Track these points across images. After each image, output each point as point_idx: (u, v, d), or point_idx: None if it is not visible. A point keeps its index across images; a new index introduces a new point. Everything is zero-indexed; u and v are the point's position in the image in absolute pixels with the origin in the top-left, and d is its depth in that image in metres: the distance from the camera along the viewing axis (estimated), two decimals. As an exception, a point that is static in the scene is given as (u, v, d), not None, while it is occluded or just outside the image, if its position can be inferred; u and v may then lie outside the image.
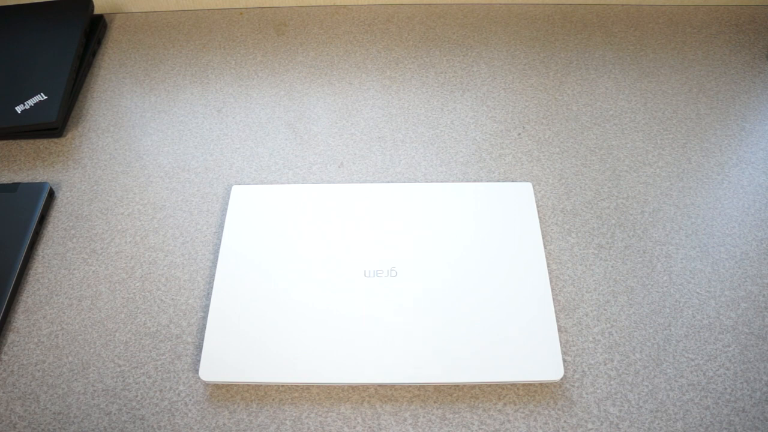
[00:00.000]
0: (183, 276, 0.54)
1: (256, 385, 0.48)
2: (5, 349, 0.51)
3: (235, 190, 0.57)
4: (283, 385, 0.48)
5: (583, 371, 0.49)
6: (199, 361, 0.49)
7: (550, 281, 0.53)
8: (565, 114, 0.65)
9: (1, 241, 0.55)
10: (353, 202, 0.56)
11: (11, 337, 0.52)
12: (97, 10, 0.75)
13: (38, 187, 0.58)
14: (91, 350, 0.51)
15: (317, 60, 0.70)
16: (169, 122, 0.65)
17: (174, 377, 0.49)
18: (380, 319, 0.49)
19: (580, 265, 0.54)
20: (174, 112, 0.66)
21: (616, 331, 0.51)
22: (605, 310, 0.52)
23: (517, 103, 0.66)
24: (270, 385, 0.48)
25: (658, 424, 0.46)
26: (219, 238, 0.56)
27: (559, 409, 0.47)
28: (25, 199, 0.58)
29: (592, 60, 0.69)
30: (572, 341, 0.50)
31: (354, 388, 0.48)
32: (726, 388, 0.48)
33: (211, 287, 0.53)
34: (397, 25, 0.74)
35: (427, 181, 0.60)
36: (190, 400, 0.48)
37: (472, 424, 0.46)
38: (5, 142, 0.64)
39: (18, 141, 0.64)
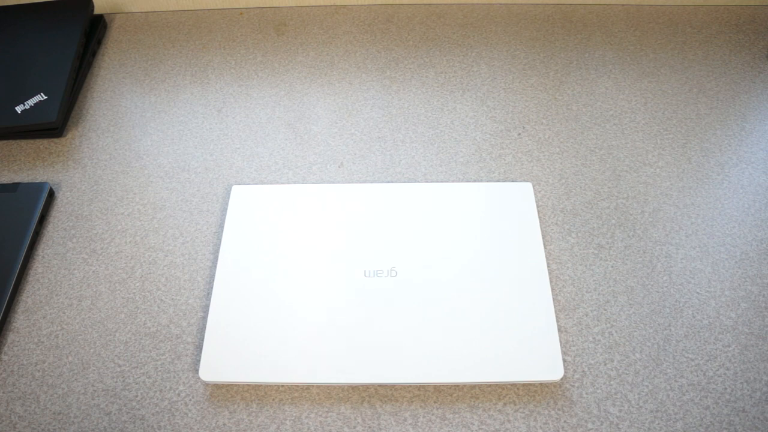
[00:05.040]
0: (183, 276, 0.54)
1: (256, 385, 0.48)
2: (5, 349, 0.51)
3: (235, 190, 0.57)
4: (283, 385, 0.48)
5: (583, 371, 0.49)
6: (199, 361, 0.49)
7: (550, 281, 0.53)
8: (565, 114, 0.65)
9: (1, 241, 0.55)
10: (353, 202, 0.56)
11: (11, 337, 0.52)
12: (97, 10, 0.75)
13: (38, 187, 0.58)
14: (91, 350, 0.51)
15: (317, 60, 0.70)
16: (169, 122, 0.65)
17: (174, 377, 0.49)
18: (380, 319, 0.49)
19: (580, 265, 0.54)
20: (174, 112, 0.66)
21: (616, 331, 0.51)
22: (605, 310, 0.52)
23: (517, 103, 0.66)
24: (270, 385, 0.48)
25: (658, 424, 0.46)
26: (219, 238, 0.56)
27: (559, 409, 0.47)
28: (25, 199, 0.58)
29: (592, 60, 0.69)
30: (572, 341, 0.50)
31: (354, 388, 0.48)
32: (726, 388, 0.48)
33: (211, 287, 0.53)
34: (397, 25, 0.74)
35: (427, 181, 0.60)
36: (190, 400, 0.48)
37: (472, 424, 0.46)
38: (5, 142, 0.64)
39: (18, 141, 0.64)
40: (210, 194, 0.60)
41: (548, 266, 0.54)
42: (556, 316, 0.51)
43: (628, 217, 0.57)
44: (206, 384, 0.49)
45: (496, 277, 0.51)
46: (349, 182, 0.60)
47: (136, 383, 0.49)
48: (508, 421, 0.47)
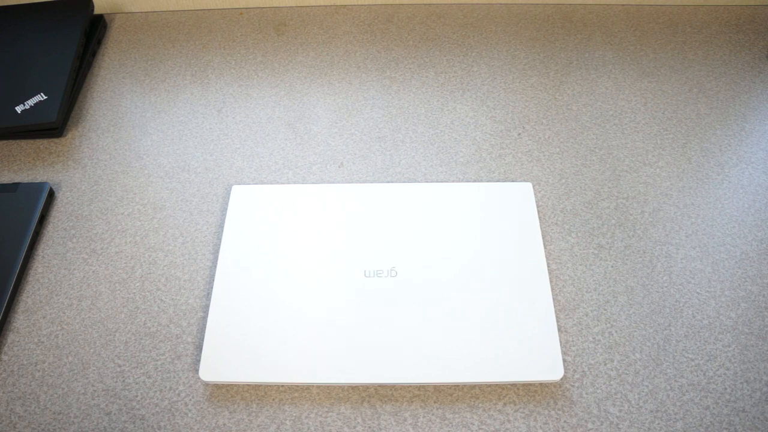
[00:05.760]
0: (183, 276, 0.54)
1: (256, 385, 0.48)
2: (5, 349, 0.51)
3: (235, 190, 0.57)
4: (283, 385, 0.48)
5: (583, 371, 0.49)
6: (199, 361, 0.49)
7: (550, 281, 0.53)
8: (565, 114, 0.65)
9: (1, 241, 0.55)
10: (353, 202, 0.56)
11: (11, 337, 0.52)
12: (97, 10, 0.75)
13: (38, 187, 0.58)
14: (91, 350, 0.51)
15: (317, 60, 0.70)
16: (169, 122, 0.65)
17: (174, 377, 0.49)
18: (380, 319, 0.49)
19: (580, 265, 0.54)
20: (174, 112, 0.66)
21: (616, 331, 0.51)
22: (605, 310, 0.52)
23: (517, 103, 0.66)
24: (270, 385, 0.48)
25: (658, 424, 0.46)
26: (219, 238, 0.56)
27: (559, 409, 0.47)
28: (25, 199, 0.58)
29: (592, 60, 0.69)
30: (572, 341, 0.50)
31: (354, 388, 0.48)
32: (726, 388, 0.48)
33: (211, 287, 0.53)
34: (397, 25, 0.74)
35: (427, 181, 0.60)
36: (190, 400, 0.48)
37: (472, 424, 0.46)
38: (5, 142, 0.64)
39: (18, 141, 0.64)
40: (210, 194, 0.60)
41: (548, 266, 0.54)
42: (556, 316, 0.51)
43: (628, 217, 0.57)
44: (206, 384, 0.49)
45: (496, 277, 0.51)
46: (349, 182, 0.60)
47: (136, 383, 0.49)
48: (508, 421, 0.47)
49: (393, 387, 0.48)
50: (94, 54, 0.72)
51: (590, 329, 0.51)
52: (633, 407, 0.47)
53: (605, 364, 0.49)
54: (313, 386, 0.48)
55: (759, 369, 0.48)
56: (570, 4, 0.75)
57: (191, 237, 0.57)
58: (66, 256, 0.56)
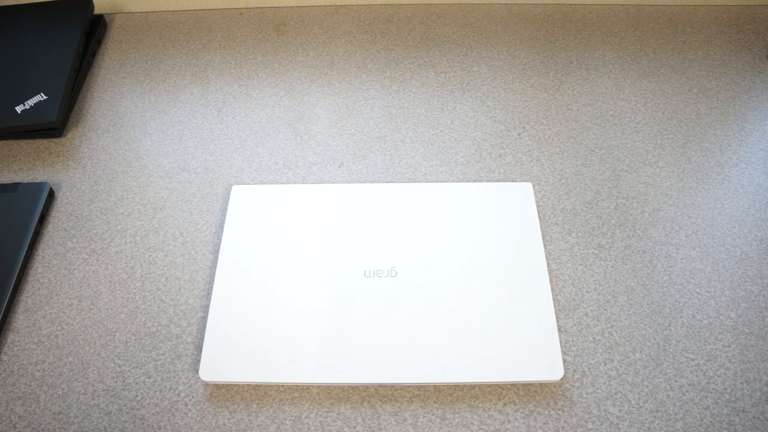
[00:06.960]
0: (183, 276, 0.54)
1: (256, 385, 0.48)
2: (5, 349, 0.51)
3: (235, 190, 0.57)
4: (283, 385, 0.48)
5: (583, 371, 0.49)
6: (199, 361, 0.49)
7: (550, 281, 0.53)
8: (565, 114, 0.65)
9: (1, 241, 0.55)
10: (353, 202, 0.56)
11: (11, 337, 0.52)
12: (97, 10, 0.75)
13: (38, 187, 0.58)
14: (91, 350, 0.51)
15: (317, 60, 0.70)
16: (169, 122, 0.65)
17: (174, 377, 0.49)
18: (380, 319, 0.49)
19: (580, 265, 0.54)
20: (174, 112, 0.66)
21: (616, 331, 0.51)
22: (605, 310, 0.52)
23: (517, 103, 0.66)
24: (270, 385, 0.48)
25: (658, 424, 0.46)
26: (219, 238, 0.56)
27: (559, 409, 0.47)
28: (25, 199, 0.58)
29: (592, 60, 0.69)
30: (572, 341, 0.50)
31: (354, 388, 0.48)
32: (726, 388, 0.48)
33: (211, 287, 0.53)
34: (397, 25, 0.74)
35: (427, 181, 0.60)
36: (190, 400, 0.48)
37: (472, 424, 0.47)
38: (5, 142, 0.64)
39: (18, 141, 0.64)
40: (210, 194, 0.60)
41: (548, 266, 0.54)
42: (556, 316, 0.51)
43: (628, 217, 0.57)
44: (206, 384, 0.49)
45: (496, 277, 0.51)
46: (349, 182, 0.60)
47: (136, 383, 0.49)
48: (508, 421, 0.47)
49: (393, 387, 0.48)
50: (94, 54, 0.72)
51: (590, 329, 0.51)
52: (633, 407, 0.47)
53: (605, 364, 0.49)
54: (313, 386, 0.48)
55: (759, 369, 0.48)
56: (570, 4, 0.75)
57: (191, 237, 0.57)
58: (66, 256, 0.56)
